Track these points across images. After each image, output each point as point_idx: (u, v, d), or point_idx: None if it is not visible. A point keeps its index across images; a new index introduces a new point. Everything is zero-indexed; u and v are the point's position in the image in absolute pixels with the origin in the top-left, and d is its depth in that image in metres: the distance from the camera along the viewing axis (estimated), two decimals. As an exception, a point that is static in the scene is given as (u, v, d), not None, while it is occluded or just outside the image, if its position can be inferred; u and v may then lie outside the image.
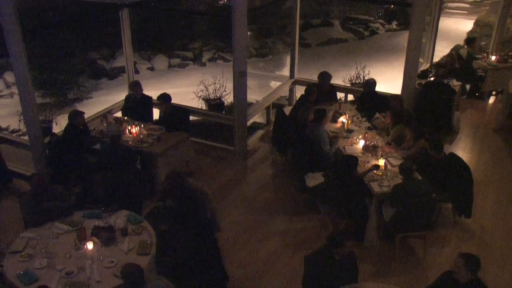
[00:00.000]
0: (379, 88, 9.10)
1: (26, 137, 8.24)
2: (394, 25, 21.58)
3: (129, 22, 9.63)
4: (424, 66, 11.63)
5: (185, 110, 8.98)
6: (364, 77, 12.20)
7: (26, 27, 7.23)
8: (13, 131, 11.49)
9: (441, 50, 13.65)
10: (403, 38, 14.73)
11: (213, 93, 11.66)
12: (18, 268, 5.24)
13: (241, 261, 6.56)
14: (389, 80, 11.88)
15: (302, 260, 5.28)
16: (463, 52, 11.18)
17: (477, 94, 11.41)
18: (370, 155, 7.44)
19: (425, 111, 9.20)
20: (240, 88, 8.50)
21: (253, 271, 6.38)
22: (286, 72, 11.85)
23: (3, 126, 11.95)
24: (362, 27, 21.04)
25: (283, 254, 6.70)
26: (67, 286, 5.01)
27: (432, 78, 10.46)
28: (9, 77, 15.51)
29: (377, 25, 21.42)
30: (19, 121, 10.80)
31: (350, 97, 10.73)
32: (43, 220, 5.90)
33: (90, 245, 5.50)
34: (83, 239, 5.59)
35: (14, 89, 14.76)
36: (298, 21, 10.37)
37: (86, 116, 8.27)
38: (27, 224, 6.07)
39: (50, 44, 14.93)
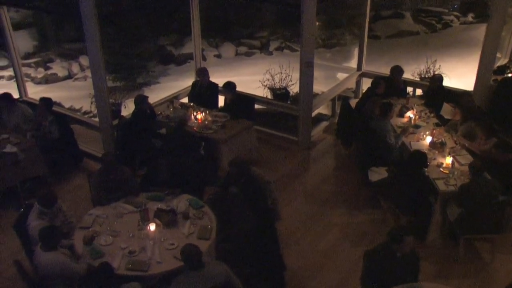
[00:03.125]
0: (451, 83, 8.77)
1: (97, 119, 8.56)
2: (470, 17, 20.63)
3: (198, 9, 9.75)
4: (501, 61, 11.07)
5: (251, 99, 9.03)
6: (434, 71, 11.80)
7: (102, 12, 7.47)
8: (85, 113, 11.96)
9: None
10: (480, 31, 14.06)
11: (279, 82, 11.64)
12: (86, 243, 5.48)
13: (300, 251, 6.55)
14: (462, 76, 11.43)
15: (362, 255, 5.20)
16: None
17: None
18: (437, 152, 7.20)
19: (500, 109, 8.76)
20: (306, 79, 8.44)
21: (311, 263, 6.36)
22: (353, 64, 11.65)
23: (77, 107, 12.47)
24: (435, 20, 20.27)
25: (342, 248, 6.64)
26: (129, 264, 5.19)
27: (510, 74, 9.95)
28: (84, 61, 16.17)
29: (451, 17, 20.56)
30: (91, 103, 11.22)
31: (419, 91, 10.42)
32: (110, 199, 6.14)
33: (152, 227, 5.65)
34: (146, 220, 5.76)
35: (88, 73, 15.36)
36: (368, 12, 10.14)
37: (153, 100, 8.46)
38: (95, 202, 6.33)
39: (122, 30, 15.39)
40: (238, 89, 8.74)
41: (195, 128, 7.98)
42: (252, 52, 18.16)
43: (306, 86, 8.53)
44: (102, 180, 6.29)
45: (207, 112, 8.42)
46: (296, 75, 9.46)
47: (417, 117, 8.14)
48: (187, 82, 10.16)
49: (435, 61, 12.15)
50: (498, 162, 6.53)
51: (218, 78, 9.51)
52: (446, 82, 8.78)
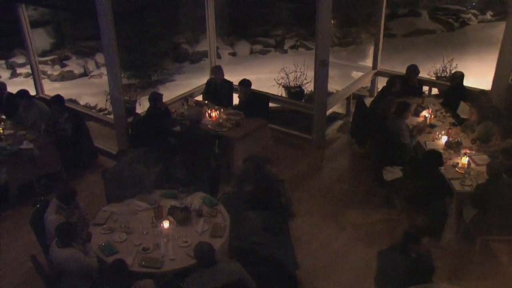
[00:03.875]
0: (468, 83, 8.66)
1: (112, 116, 8.61)
2: (489, 15, 20.37)
3: (213, 7, 9.75)
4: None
5: (265, 97, 9.01)
6: (450, 70, 11.67)
7: (117, 10, 7.50)
8: (100, 110, 12.04)
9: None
10: (499, 29, 13.83)
11: (293, 80, 11.61)
12: (101, 239, 5.52)
13: (313, 250, 6.53)
14: (479, 75, 11.28)
15: (376, 255, 5.17)
16: None
17: None
18: (452, 152, 7.12)
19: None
20: (321, 77, 8.40)
21: (324, 262, 6.33)
22: (369, 62, 11.58)
23: (92, 104, 12.56)
24: (452, 18, 20.06)
25: (356, 247, 6.60)
26: (143, 261, 5.21)
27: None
28: (100, 58, 16.27)
29: (469, 15, 20.32)
30: (106, 100, 11.30)
31: (435, 91, 10.32)
32: (124, 196, 6.17)
33: (166, 224, 5.67)
34: (160, 218, 5.77)
35: (103, 70, 15.47)
36: (384, 10, 10.06)
37: (168, 98, 8.47)
38: (109, 199, 6.37)
39: (137, 27, 15.46)
40: (252, 87, 8.73)
41: (209, 126, 7.99)
42: (267, 50, 18.13)
43: (321, 84, 8.49)
44: (116, 177, 6.32)
45: (222, 110, 8.43)
46: (310, 74, 9.43)
47: (432, 116, 8.07)
48: (202, 80, 10.18)
49: (452, 60, 12.02)
50: (505, 167, 6.42)
51: (233, 76, 9.51)
52: (463, 81, 8.67)
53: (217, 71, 9.10)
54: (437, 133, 7.58)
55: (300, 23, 18.66)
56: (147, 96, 8.32)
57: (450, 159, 6.93)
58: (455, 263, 6.26)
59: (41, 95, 10.04)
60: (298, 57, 13.59)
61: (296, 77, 11.67)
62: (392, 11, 19.10)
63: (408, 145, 7.33)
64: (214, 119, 8.20)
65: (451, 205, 6.37)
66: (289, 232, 5.91)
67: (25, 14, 9.46)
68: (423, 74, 10.75)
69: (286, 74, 11.67)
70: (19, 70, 16.02)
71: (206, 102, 8.89)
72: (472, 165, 6.79)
